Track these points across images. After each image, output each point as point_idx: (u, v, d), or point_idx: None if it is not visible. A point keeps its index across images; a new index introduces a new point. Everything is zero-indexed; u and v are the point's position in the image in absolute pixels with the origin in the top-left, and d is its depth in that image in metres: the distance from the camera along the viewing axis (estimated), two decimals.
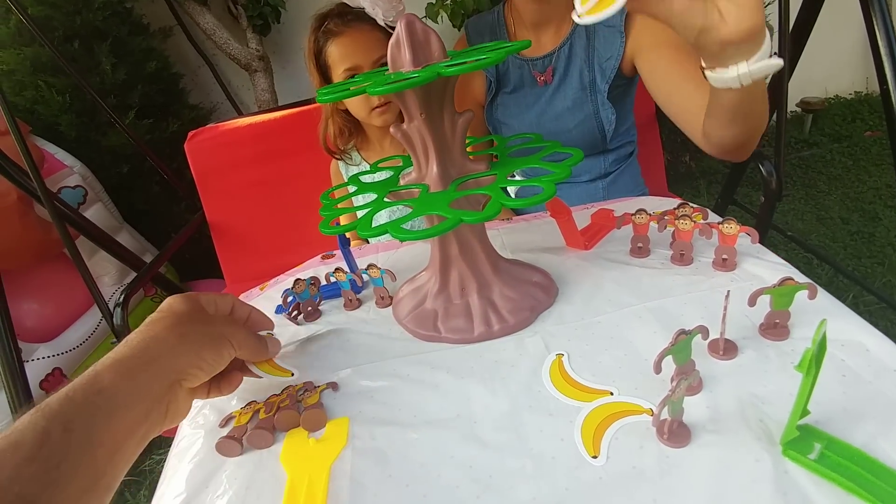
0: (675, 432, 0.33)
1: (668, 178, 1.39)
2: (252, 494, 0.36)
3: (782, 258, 0.50)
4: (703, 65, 0.45)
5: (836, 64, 2.55)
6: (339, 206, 1.07)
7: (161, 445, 1.47)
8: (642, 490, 0.31)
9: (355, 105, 0.82)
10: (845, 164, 2.21)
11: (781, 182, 0.89)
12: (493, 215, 0.35)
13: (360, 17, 0.71)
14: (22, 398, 0.97)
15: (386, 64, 0.42)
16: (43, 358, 1.37)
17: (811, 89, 2.51)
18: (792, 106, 2.53)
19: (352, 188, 0.51)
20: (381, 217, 0.44)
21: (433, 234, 0.35)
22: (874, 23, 0.82)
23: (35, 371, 1.32)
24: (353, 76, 0.76)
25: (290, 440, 0.40)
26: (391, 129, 0.43)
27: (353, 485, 0.35)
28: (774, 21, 1.08)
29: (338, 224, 0.45)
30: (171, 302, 0.39)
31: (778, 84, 1.02)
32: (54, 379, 1.37)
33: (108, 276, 1.62)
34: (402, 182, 0.46)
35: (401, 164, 0.52)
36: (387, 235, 0.90)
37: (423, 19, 1.76)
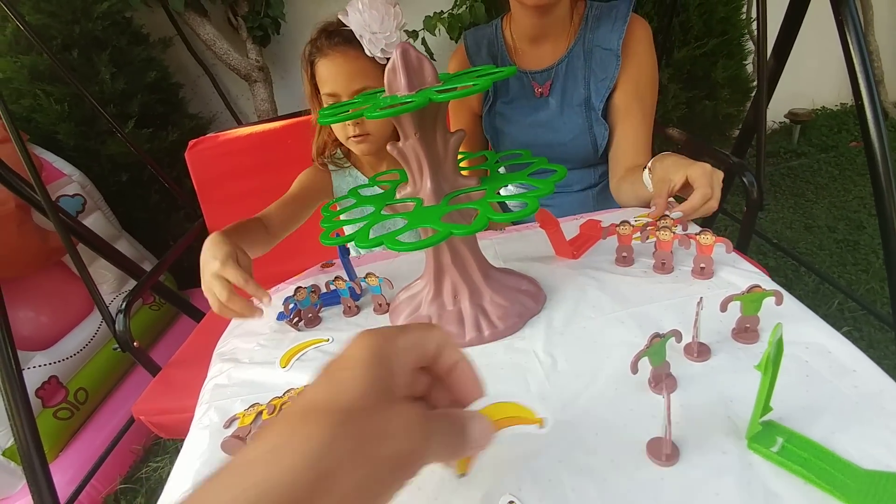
0: (667, 384, 0.36)
1: None
2: None
3: (771, 265, 0.54)
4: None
5: (822, 76, 2.61)
6: (290, 193, 1.04)
7: (158, 453, 1.48)
8: (617, 480, 0.33)
9: (337, 129, 0.82)
10: (832, 173, 2.27)
11: (762, 192, 0.93)
12: (480, 228, 0.38)
13: (349, 39, 0.69)
14: (20, 406, 0.99)
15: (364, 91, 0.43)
16: (39, 366, 1.38)
17: (799, 101, 2.58)
18: (780, 117, 2.59)
19: (351, 202, 0.54)
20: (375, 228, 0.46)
21: (425, 246, 0.38)
22: (848, 41, 0.87)
23: (32, 379, 1.33)
24: (334, 101, 0.76)
25: None
26: (388, 147, 0.46)
27: None
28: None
29: (338, 235, 0.47)
30: (355, 352, 0.26)
31: (757, 100, 1.06)
32: (51, 387, 1.38)
33: (107, 283, 1.63)
34: (398, 195, 0.49)
35: (398, 177, 0.55)
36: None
37: (421, 31, 1.81)
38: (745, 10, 1.82)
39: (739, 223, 1.15)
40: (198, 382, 0.56)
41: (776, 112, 2.57)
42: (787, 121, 2.55)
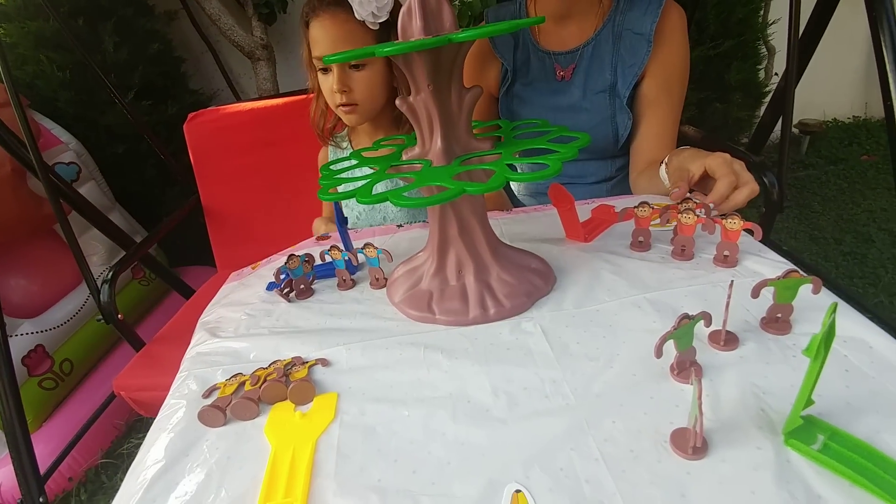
0: (687, 371, 0.34)
1: None
2: (234, 464, 0.35)
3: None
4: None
5: (835, 88, 2.58)
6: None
7: (140, 430, 1.44)
8: (636, 472, 0.30)
9: (326, 94, 0.76)
10: (840, 186, 2.23)
11: (783, 194, 0.89)
12: (496, 186, 0.34)
13: (340, 1, 0.66)
14: (5, 374, 0.95)
15: None
16: (26, 334, 1.34)
17: (810, 112, 2.54)
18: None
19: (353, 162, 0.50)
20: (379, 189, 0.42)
21: (434, 203, 0.34)
22: (881, 37, 0.83)
23: (18, 347, 1.29)
24: (322, 66, 0.72)
25: (275, 413, 0.39)
26: (397, 102, 0.42)
27: (340, 458, 0.34)
28: (783, 34, 1.09)
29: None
30: None
31: (782, 97, 1.03)
32: (37, 356, 1.34)
33: (97, 255, 1.59)
34: (404, 157, 0.45)
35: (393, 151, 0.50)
36: (384, 218, 0.88)
37: None
38: (762, 13, 1.79)
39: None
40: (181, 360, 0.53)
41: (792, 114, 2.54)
42: (796, 131, 2.51)
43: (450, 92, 0.40)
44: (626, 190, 0.92)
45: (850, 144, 2.51)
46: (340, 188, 0.71)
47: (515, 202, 1.02)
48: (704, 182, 0.57)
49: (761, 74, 1.91)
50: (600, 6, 0.81)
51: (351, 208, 0.88)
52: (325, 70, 0.71)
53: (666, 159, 0.66)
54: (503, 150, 0.41)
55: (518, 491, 0.30)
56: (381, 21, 0.62)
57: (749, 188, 0.52)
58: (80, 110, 1.70)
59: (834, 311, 0.28)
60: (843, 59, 2.38)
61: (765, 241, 0.97)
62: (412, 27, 0.39)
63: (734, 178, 0.53)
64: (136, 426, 1.46)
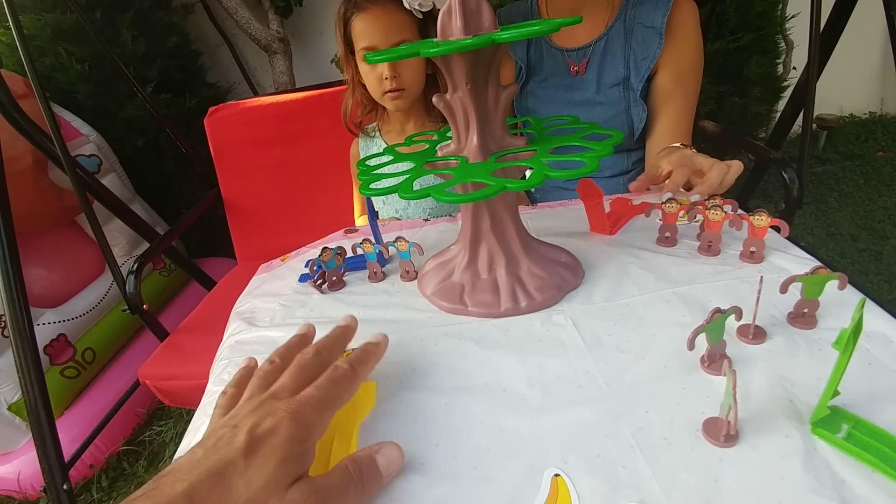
0: (718, 363, 0.35)
1: None
2: None
3: None
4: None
5: (852, 83, 2.55)
6: (356, 185, 1.07)
7: (161, 418, 1.48)
8: (670, 458, 0.31)
9: (371, 83, 0.82)
10: (857, 182, 2.21)
11: (803, 189, 0.90)
12: (537, 183, 0.35)
13: None
14: (30, 362, 0.98)
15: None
16: (49, 323, 1.37)
17: (827, 107, 2.52)
18: None
19: (386, 158, 0.52)
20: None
21: (477, 199, 0.36)
22: None
23: (40, 336, 1.32)
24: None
25: None
26: (434, 100, 0.44)
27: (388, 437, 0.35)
28: (802, 28, 1.09)
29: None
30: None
31: (803, 91, 1.02)
32: (59, 345, 1.38)
33: (119, 246, 1.62)
34: (439, 153, 0.47)
35: (426, 147, 0.52)
36: (410, 209, 0.91)
37: None
38: (781, 6, 1.77)
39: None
40: (205, 351, 0.54)
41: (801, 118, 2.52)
42: (814, 126, 2.49)
43: (486, 90, 0.42)
44: None
45: (867, 140, 2.48)
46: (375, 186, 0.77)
47: (534, 200, 1.03)
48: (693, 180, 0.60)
49: (780, 69, 1.89)
50: (611, 1, 0.82)
51: (384, 201, 0.91)
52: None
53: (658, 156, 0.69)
54: (538, 147, 0.42)
55: (557, 475, 0.31)
56: (425, 11, 0.70)
57: (734, 170, 0.56)
58: (100, 103, 1.72)
59: (863, 306, 0.29)
60: (860, 54, 2.35)
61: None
62: (452, 26, 0.40)
63: (725, 168, 0.57)
64: (157, 414, 1.49)
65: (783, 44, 1.80)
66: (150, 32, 1.78)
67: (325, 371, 0.34)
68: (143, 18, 1.77)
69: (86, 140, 1.59)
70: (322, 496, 0.29)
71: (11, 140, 1.14)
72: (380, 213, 0.94)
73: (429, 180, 0.43)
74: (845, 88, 2.54)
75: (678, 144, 0.75)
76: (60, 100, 1.68)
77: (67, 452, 1.05)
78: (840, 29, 1.07)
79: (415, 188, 0.39)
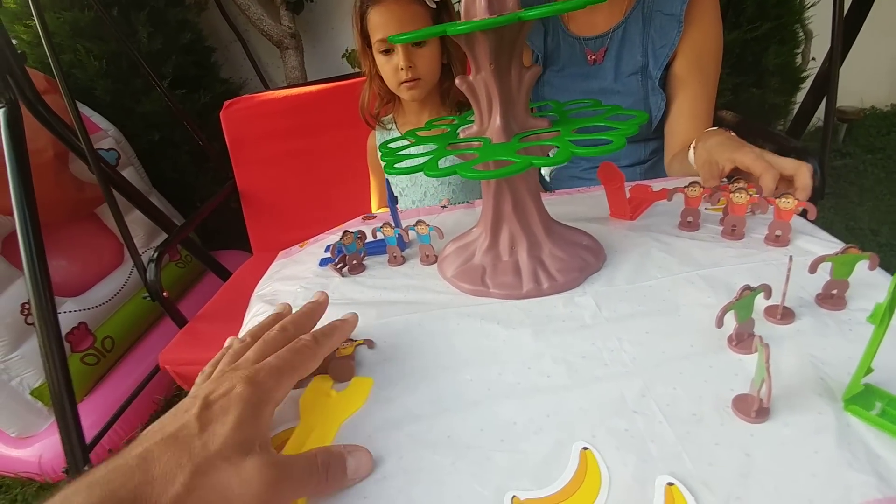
0: (746, 343, 0.35)
1: None
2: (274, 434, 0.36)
3: None
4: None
5: (874, 75, 2.50)
6: (373, 177, 1.07)
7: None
8: (700, 433, 0.31)
9: (388, 74, 0.83)
10: (878, 175, 2.17)
11: (825, 180, 0.88)
12: (563, 160, 0.35)
13: None
14: (55, 348, 1.00)
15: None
16: (69, 312, 1.40)
17: (847, 99, 2.47)
18: None
19: (408, 141, 0.52)
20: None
21: (503, 175, 0.36)
22: None
23: (62, 324, 1.35)
24: (386, 48, 0.80)
25: (314, 386, 0.40)
26: (457, 81, 0.44)
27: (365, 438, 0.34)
28: (821, 18, 1.06)
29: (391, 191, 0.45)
30: None
31: (825, 81, 1.00)
32: (80, 333, 1.41)
33: (136, 238, 1.64)
34: (461, 136, 0.47)
35: (447, 131, 0.52)
36: (427, 200, 0.92)
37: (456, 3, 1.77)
38: None
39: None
40: (224, 337, 0.54)
41: (822, 109, 2.47)
42: (834, 119, 2.44)
43: (510, 71, 0.41)
44: (660, 173, 0.92)
45: (888, 133, 2.43)
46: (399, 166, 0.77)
47: (547, 188, 1.03)
48: (737, 174, 0.56)
49: (799, 59, 1.86)
50: None
51: (395, 184, 0.92)
52: (387, 52, 0.80)
53: (693, 143, 0.65)
54: (562, 127, 0.42)
55: (585, 448, 0.31)
56: (438, 1, 0.73)
57: (803, 168, 0.52)
58: (117, 98, 1.75)
59: None
60: (881, 46, 2.30)
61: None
62: (476, 7, 0.40)
63: (775, 171, 0.52)
64: (174, 401, 1.51)
65: (802, 34, 1.77)
66: (165, 29, 1.80)
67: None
68: (158, 15, 1.79)
69: (104, 135, 1.62)
70: (280, 473, 0.28)
71: (34, 133, 1.16)
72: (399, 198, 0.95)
73: (449, 164, 0.43)
74: (866, 80, 2.48)
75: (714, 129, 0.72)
76: (79, 95, 1.71)
77: (88, 436, 1.07)
78: (863, 18, 1.05)
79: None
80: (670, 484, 0.28)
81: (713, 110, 0.84)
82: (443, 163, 0.42)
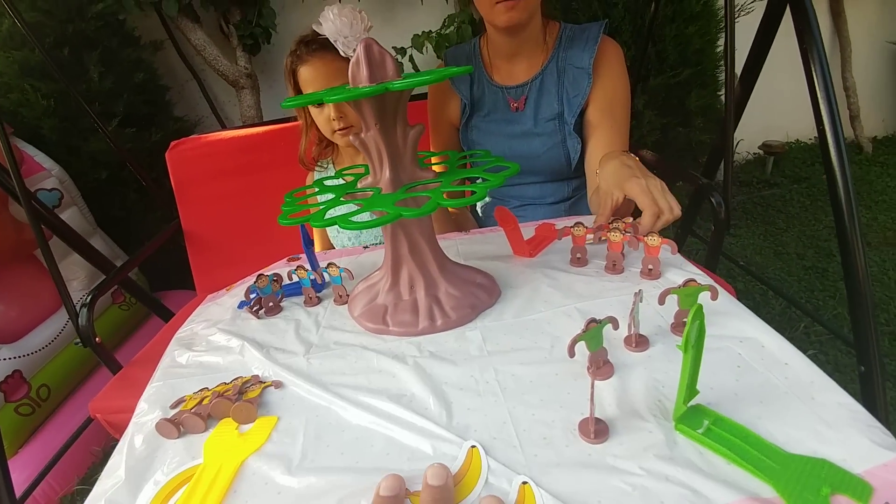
0: (603, 369, 0.40)
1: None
2: (176, 474, 0.38)
3: (739, 289, 0.56)
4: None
5: (797, 110, 2.71)
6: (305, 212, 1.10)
7: None
8: (546, 455, 0.34)
9: (322, 124, 0.89)
10: (803, 203, 2.34)
11: (729, 212, 0.97)
12: (428, 212, 0.40)
13: (325, 45, 0.77)
14: None
15: None
16: (4, 360, 1.34)
17: (773, 133, 2.68)
18: (754, 148, 2.69)
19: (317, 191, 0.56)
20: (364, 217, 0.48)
21: (374, 225, 0.39)
22: (812, 70, 0.92)
23: None
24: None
25: (219, 429, 0.42)
26: (350, 138, 0.48)
27: (259, 482, 0.37)
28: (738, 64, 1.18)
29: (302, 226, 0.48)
30: None
31: (724, 128, 1.11)
32: (14, 381, 1.34)
33: (78, 280, 1.60)
34: (360, 186, 0.51)
35: (363, 172, 0.56)
36: (351, 242, 0.95)
37: (410, 49, 1.85)
38: (720, 42, 1.91)
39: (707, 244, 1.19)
40: None
41: (750, 143, 2.67)
42: (760, 152, 2.64)
43: (395, 129, 0.46)
44: (584, 208, 0.99)
45: (812, 164, 2.64)
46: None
47: (482, 223, 1.08)
48: (629, 201, 0.60)
49: (722, 99, 2.03)
50: (545, 45, 0.90)
51: (338, 230, 0.95)
52: (320, 104, 0.84)
53: (598, 168, 0.71)
54: (444, 178, 0.47)
55: (473, 446, 0.35)
56: None
57: (665, 218, 0.56)
58: (64, 137, 1.74)
59: (696, 311, 0.33)
60: (803, 82, 2.53)
61: (714, 256, 1.04)
62: (360, 75, 0.44)
63: (656, 207, 0.56)
64: (112, 453, 1.45)
65: (722, 77, 1.94)
66: (117, 69, 1.81)
67: None
68: (111, 55, 1.81)
69: (48, 174, 1.60)
70: None
71: None
72: (336, 238, 0.98)
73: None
74: (791, 116, 2.70)
75: (612, 153, 0.76)
76: (25, 134, 1.69)
77: (20, 491, 1.01)
78: (760, 63, 1.18)
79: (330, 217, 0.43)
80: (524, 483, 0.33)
81: (627, 146, 0.92)
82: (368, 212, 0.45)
